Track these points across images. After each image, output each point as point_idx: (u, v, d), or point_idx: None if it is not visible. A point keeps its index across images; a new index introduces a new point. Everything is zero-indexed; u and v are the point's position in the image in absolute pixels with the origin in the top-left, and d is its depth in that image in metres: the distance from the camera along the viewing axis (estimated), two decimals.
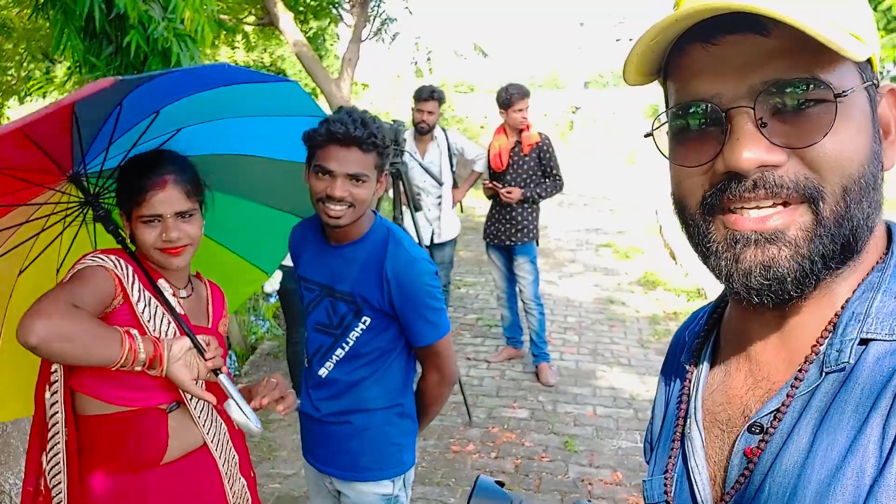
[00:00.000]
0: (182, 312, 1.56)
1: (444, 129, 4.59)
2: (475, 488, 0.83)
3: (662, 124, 0.64)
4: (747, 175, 0.57)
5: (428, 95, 4.34)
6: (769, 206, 0.58)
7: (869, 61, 0.59)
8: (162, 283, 1.58)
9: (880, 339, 0.56)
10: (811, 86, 0.55)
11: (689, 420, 0.69)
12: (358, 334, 1.78)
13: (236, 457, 1.71)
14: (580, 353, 5.10)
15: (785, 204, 0.57)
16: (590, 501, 0.79)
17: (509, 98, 4.27)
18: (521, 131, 4.33)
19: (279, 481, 3.37)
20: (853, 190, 0.57)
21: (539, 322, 4.54)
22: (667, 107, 0.65)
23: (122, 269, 1.51)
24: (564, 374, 4.70)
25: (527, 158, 4.35)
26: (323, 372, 1.84)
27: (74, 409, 1.53)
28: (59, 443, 1.51)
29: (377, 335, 1.79)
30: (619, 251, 8.08)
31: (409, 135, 4.33)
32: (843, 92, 0.55)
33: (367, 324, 1.77)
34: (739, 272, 0.59)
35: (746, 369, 0.66)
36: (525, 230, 4.41)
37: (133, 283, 1.51)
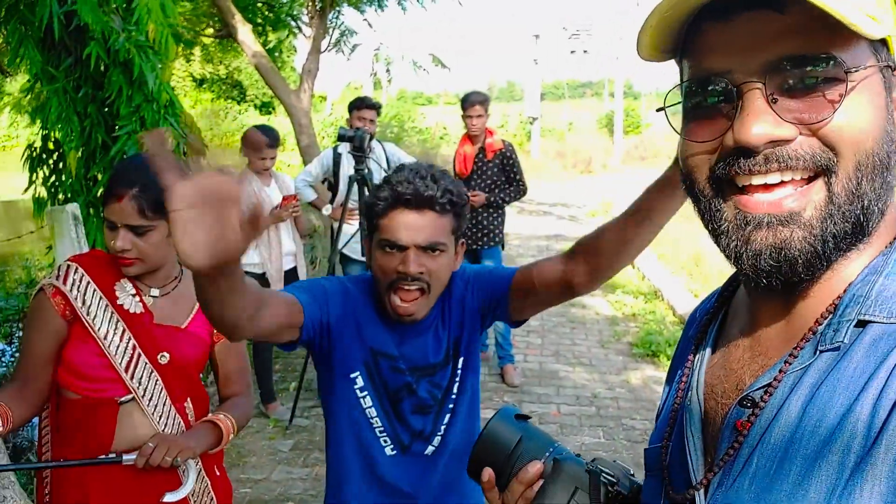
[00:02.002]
0: (138, 312, 1.62)
1: (380, 142, 4.50)
2: (492, 418, 0.86)
3: (675, 103, 0.65)
4: (757, 150, 0.57)
5: (369, 104, 4.32)
6: (777, 182, 0.58)
7: (885, 43, 0.59)
8: (123, 283, 1.63)
9: (878, 322, 0.56)
10: (822, 62, 0.56)
11: (689, 392, 0.70)
12: (458, 381, 1.51)
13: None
14: (543, 354, 5.22)
15: (803, 179, 0.57)
16: (615, 461, 0.82)
17: (463, 103, 4.52)
18: (484, 138, 4.47)
19: (250, 486, 3.39)
20: (866, 166, 0.56)
21: (504, 325, 4.64)
22: (681, 84, 0.66)
23: (71, 281, 1.59)
24: (528, 374, 4.81)
25: (490, 164, 4.48)
26: (430, 450, 1.52)
27: (59, 391, 1.64)
28: (46, 418, 1.67)
29: (468, 367, 1.53)
30: None
31: (344, 147, 4.22)
32: (855, 68, 0.55)
33: (462, 363, 1.51)
34: (749, 254, 0.58)
35: (746, 345, 0.66)
36: (491, 234, 4.53)
37: (87, 293, 1.60)
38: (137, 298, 1.64)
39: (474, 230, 4.54)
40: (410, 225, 1.35)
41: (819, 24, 0.53)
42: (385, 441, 1.50)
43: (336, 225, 4.15)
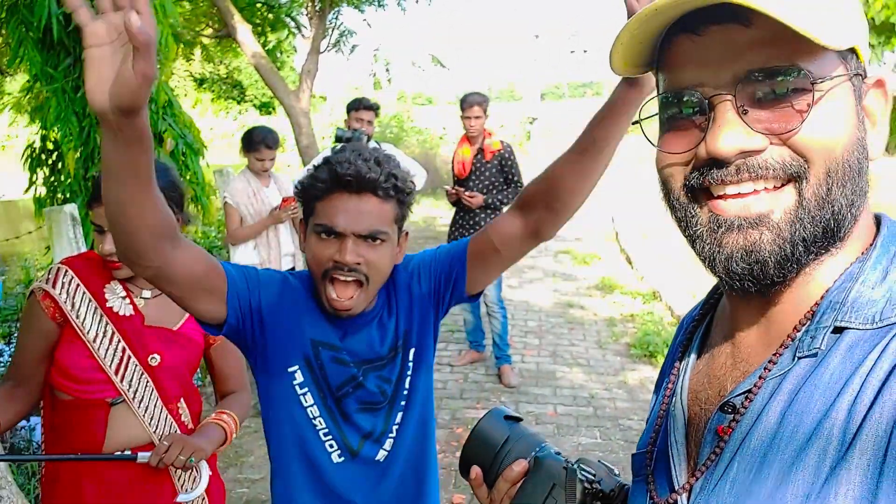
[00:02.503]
0: (128, 314, 1.63)
1: (378, 143, 4.49)
2: (483, 417, 0.89)
3: (651, 115, 0.67)
4: (728, 161, 0.58)
5: (367, 105, 4.34)
6: (750, 190, 0.59)
7: (854, 52, 0.60)
8: (114, 285, 1.65)
9: (854, 328, 0.57)
10: (789, 73, 0.57)
11: (674, 398, 0.71)
12: (410, 376, 1.41)
13: None
14: (541, 355, 5.23)
15: (774, 187, 0.59)
16: (599, 461, 0.84)
17: (462, 104, 4.53)
18: (482, 139, 4.48)
19: (247, 486, 3.40)
20: (836, 172, 0.58)
21: (502, 325, 4.65)
22: (657, 96, 0.67)
23: (60, 284, 1.61)
24: (526, 375, 4.82)
25: (489, 165, 4.49)
26: (382, 455, 1.40)
27: (52, 392, 1.66)
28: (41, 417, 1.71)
29: (421, 360, 1.44)
30: (578, 257, 8.27)
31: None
32: (822, 79, 0.57)
33: (413, 354, 1.41)
34: (721, 257, 0.60)
35: (728, 351, 0.67)
36: None
37: (77, 296, 1.61)
38: (128, 301, 1.66)
39: (471, 231, 4.55)
40: (350, 210, 1.25)
41: (785, 36, 0.55)
42: (331, 446, 1.37)
43: None
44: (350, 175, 1.23)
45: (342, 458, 1.37)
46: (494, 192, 4.49)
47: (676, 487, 0.66)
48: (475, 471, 0.86)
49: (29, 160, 4.03)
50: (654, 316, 5.91)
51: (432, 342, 1.46)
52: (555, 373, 4.87)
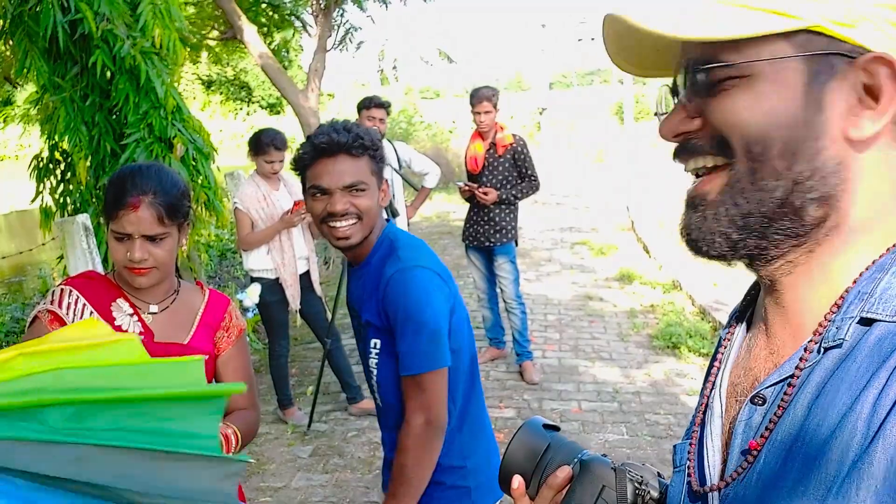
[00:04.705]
0: (137, 331, 1.58)
1: (391, 141, 4.47)
2: (521, 427, 0.87)
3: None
4: (671, 142, 0.67)
5: (378, 103, 4.27)
6: (692, 168, 0.65)
7: (821, 33, 0.58)
8: (120, 303, 1.59)
9: (883, 320, 0.55)
10: (712, 63, 0.61)
11: (714, 391, 0.71)
12: (376, 360, 1.62)
13: None
14: (562, 349, 5.16)
15: (715, 167, 0.63)
16: (644, 464, 0.83)
17: (471, 99, 4.41)
18: (494, 133, 4.39)
19: (269, 494, 3.36)
20: (762, 154, 0.59)
21: (521, 321, 4.58)
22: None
23: (66, 304, 1.55)
24: (548, 371, 4.75)
25: (501, 160, 4.40)
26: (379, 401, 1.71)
27: None
28: None
29: (390, 361, 1.59)
30: (594, 248, 8.17)
31: None
32: (733, 64, 0.60)
33: (378, 347, 1.60)
34: (679, 229, 0.68)
35: (762, 343, 0.67)
36: (504, 231, 4.46)
37: (84, 316, 1.55)
38: (136, 318, 1.60)
39: (487, 227, 4.47)
40: (331, 170, 1.53)
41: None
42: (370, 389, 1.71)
43: None
44: (324, 143, 1.52)
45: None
46: (508, 186, 4.41)
47: (709, 479, 0.67)
48: (517, 479, 0.83)
49: (35, 170, 3.99)
50: (675, 306, 5.81)
51: (392, 346, 1.60)
52: (577, 367, 4.79)
